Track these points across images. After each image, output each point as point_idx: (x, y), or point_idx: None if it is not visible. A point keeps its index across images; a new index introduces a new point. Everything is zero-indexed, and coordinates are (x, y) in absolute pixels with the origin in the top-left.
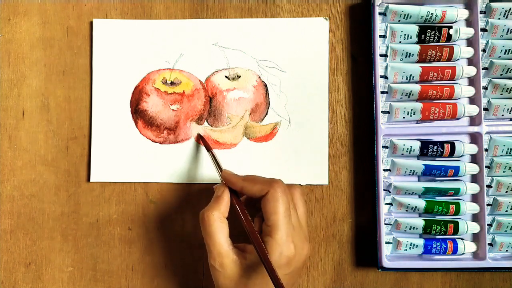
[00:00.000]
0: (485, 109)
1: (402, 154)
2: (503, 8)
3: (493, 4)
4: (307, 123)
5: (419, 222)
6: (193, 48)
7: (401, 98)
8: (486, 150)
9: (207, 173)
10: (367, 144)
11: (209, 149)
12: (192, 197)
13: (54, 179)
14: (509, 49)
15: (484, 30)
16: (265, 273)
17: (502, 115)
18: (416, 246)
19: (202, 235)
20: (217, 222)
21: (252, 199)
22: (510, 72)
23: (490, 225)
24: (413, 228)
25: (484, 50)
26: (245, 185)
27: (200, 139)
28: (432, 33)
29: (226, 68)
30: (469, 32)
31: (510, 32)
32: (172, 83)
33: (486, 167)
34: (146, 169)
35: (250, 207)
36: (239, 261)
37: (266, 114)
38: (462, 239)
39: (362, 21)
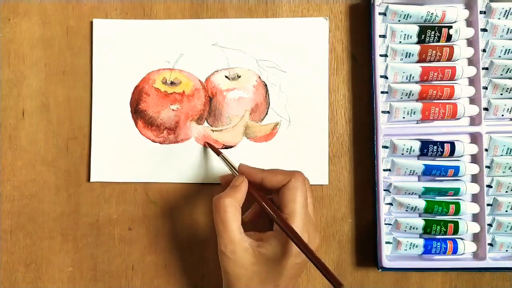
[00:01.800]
0: (485, 109)
1: (402, 154)
2: (503, 8)
3: (493, 4)
4: (307, 123)
5: (419, 222)
6: (193, 48)
7: (401, 98)
8: (486, 150)
9: (207, 173)
10: (367, 144)
11: (218, 153)
12: (192, 197)
13: (54, 179)
14: (509, 49)
15: (484, 30)
16: (279, 262)
17: (502, 115)
18: (416, 246)
19: (214, 223)
20: (232, 209)
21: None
22: (510, 72)
23: (490, 225)
24: (413, 228)
25: (484, 50)
26: (265, 176)
27: (208, 145)
28: (432, 33)
29: (226, 68)
30: (469, 32)
31: (510, 32)
32: (172, 83)
33: (486, 167)
34: (146, 169)
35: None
36: (251, 249)
37: (266, 114)
38: (462, 239)
39: (362, 21)
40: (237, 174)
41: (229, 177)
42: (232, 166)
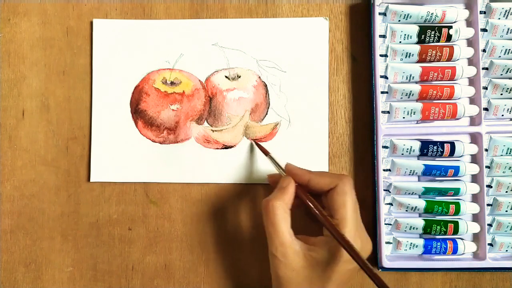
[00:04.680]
0: (485, 109)
1: (402, 154)
2: (503, 8)
3: (493, 4)
4: (307, 123)
5: (419, 222)
6: (193, 48)
7: (401, 98)
8: (486, 150)
9: (207, 173)
10: (367, 144)
11: (266, 153)
12: (192, 197)
13: (54, 179)
14: (509, 49)
15: (484, 30)
16: (330, 267)
17: (502, 115)
18: (416, 246)
19: (263, 225)
20: (281, 211)
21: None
22: (510, 72)
23: (490, 225)
24: (413, 228)
25: (484, 50)
26: (312, 177)
27: (256, 145)
28: (432, 33)
29: (226, 68)
30: (469, 32)
31: (510, 32)
32: (172, 83)
33: (486, 167)
34: (146, 169)
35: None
36: (302, 252)
37: (266, 114)
38: (462, 239)
39: (362, 21)
40: (284, 174)
41: (277, 176)
42: (280, 166)
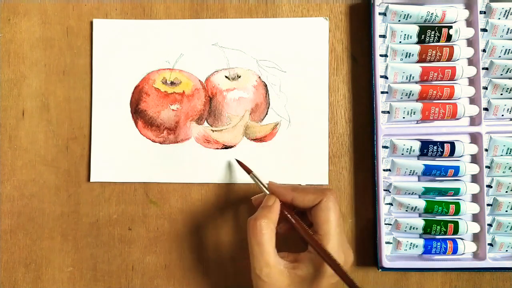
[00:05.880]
0: (485, 109)
1: (402, 154)
2: (503, 8)
3: (493, 4)
4: (307, 123)
5: (419, 222)
6: (193, 48)
7: (401, 98)
8: (486, 150)
9: (207, 173)
10: (367, 144)
11: (249, 172)
12: (192, 197)
13: (54, 179)
14: (509, 49)
15: (484, 30)
16: (314, 283)
17: (502, 115)
18: (416, 246)
19: (247, 242)
20: (268, 231)
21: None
22: (510, 72)
23: (490, 225)
24: (413, 228)
25: (484, 50)
26: (296, 196)
27: (238, 163)
28: (432, 33)
29: (226, 68)
30: (469, 32)
31: (510, 32)
32: (172, 83)
33: (486, 167)
34: (146, 169)
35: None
36: (287, 271)
37: (266, 114)
38: (462, 239)
39: (362, 21)
40: (267, 192)
41: (261, 198)
42: (262, 184)
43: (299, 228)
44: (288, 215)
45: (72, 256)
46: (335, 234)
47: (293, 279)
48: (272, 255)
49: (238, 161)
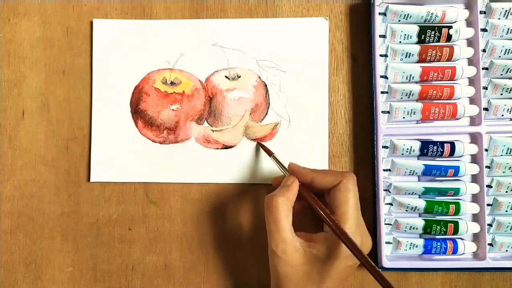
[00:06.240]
0: (485, 109)
1: (402, 154)
2: (503, 8)
3: (493, 4)
4: (307, 123)
5: (419, 222)
6: (193, 48)
7: (401, 98)
8: (486, 150)
9: (207, 173)
10: (367, 144)
11: (270, 154)
12: (192, 197)
13: (54, 179)
14: (509, 49)
15: (484, 30)
16: (329, 264)
17: (502, 115)
18: (416, 246)
19: (266, 221)
20: (284, 208)
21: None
22: (510, 72)
23: (490, 225)
24: (413, 228)
25: (484, 50)
26: (315, 176)
27: (260, 145)
28: (432, 33)
29: (226, 68)
30: (469, 32)
31: (510, 32)
32: (172, 83)
33: (486, 167)
34: (146, 169)
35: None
36: (302, 249)
37: (266, 114)
38: (462, 239)
39: (362, 21)
40: (288, 174)
41: (281, 178)
42: (283, 166)
43: (316, 207)
44: (306, 194)
45: (72, 256)
46: (353, 216)
47: (308, 258)
48: (288, 232)
49: (260, 143)
